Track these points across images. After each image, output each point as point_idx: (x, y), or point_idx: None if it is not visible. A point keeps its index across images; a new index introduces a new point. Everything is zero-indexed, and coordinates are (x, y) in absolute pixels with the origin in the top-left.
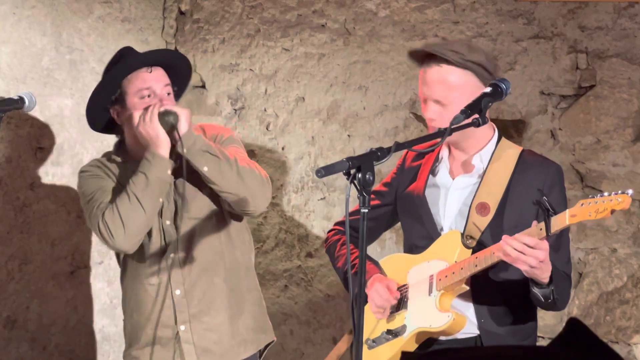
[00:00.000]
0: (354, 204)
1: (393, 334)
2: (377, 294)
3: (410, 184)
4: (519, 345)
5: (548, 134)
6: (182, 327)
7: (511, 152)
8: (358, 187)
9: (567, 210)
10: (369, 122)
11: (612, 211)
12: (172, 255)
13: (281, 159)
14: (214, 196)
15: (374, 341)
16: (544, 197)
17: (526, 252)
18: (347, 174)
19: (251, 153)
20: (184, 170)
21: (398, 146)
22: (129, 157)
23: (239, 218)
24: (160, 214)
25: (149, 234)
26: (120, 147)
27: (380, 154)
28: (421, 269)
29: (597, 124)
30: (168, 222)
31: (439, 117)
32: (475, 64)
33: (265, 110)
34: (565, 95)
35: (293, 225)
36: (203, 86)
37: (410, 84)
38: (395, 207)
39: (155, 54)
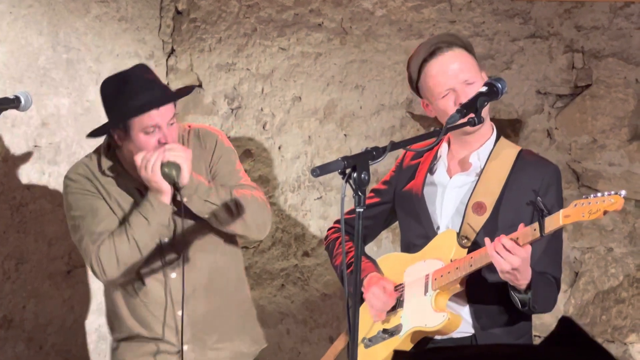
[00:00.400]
0: (349, 204)
1: (389, 333)
2: (375, 297)
3: (408, 182)
4: (512, 343)
5: (544, 134)
6: (185, 347)
7: (509, 151)
8: (353, 187)
9: (561, 210)
10: (365, 121)
11: (605, 212)
12: (173, 275)
13: (278, 159)
14: None
15: (370, 340)
16: (538, 198)
17: (502, 254)
18: (343, 173)
19: (248, 152)
20: (182, 211)
21: (393, 146)
22: (120, 169)
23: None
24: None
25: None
26: (111, 150)
27: (375, 153)
28: (417, 268)
29: (593, 124)
30: (166, 240)
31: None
32: (470, 45)
33: (262, 109)
34: (561, 94)
35: (290, 224)
36: (200, 85)
37: (407, 84)
38: (394, 206)
39: (169, 97)
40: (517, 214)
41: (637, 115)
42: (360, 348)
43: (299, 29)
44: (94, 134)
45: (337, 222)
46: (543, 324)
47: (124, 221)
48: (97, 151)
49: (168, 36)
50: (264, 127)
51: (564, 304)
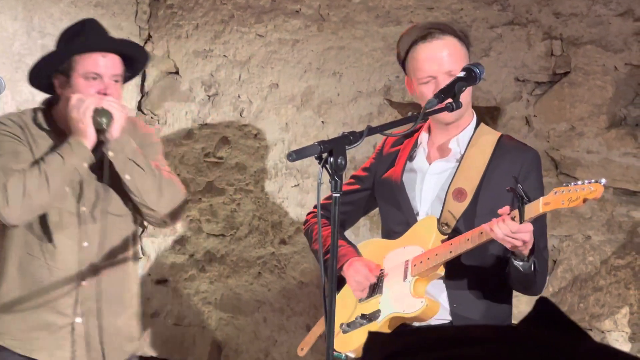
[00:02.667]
0: (327, 190)
1: (367, 318)
2: (356, 271)
3: (388, 169)
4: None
5: (523, 121)
6: (78, 320)
7: (489, 137)
8: (330, 171)
9: (541, 198)
10: (343, 108)
11: (585, 200)
12: (85, 244)
13: (255, 146)
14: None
15: (348, 325)
16: (519, 185)
17: (512, 237)
18: (319, 157)
19: (225, 140)
20: (106, 169)
21: (370, 130)
22: (55, 127)
23: (142, 221)
24: (78, 199)
25: (60, 215)
26: (49, 108)
27: (352, 138)
28: (397, 255)
29: (571, 111)
30: (84, 209)
31: None
32: (465, 36)
33: (239, 96)
34: (539, 82)
35: (267, 212)
36: (176, 72)
37: (384, 70)
38: (374, 193)
39: (117, 43)
40: (497, 200)
41: (615, 103)
42: (339, 334)
43: (276, 16)
44: (35, 74)
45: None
46: (521, 312)
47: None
48: (36, 109)
49: (145, 22)
50: (241, 114)
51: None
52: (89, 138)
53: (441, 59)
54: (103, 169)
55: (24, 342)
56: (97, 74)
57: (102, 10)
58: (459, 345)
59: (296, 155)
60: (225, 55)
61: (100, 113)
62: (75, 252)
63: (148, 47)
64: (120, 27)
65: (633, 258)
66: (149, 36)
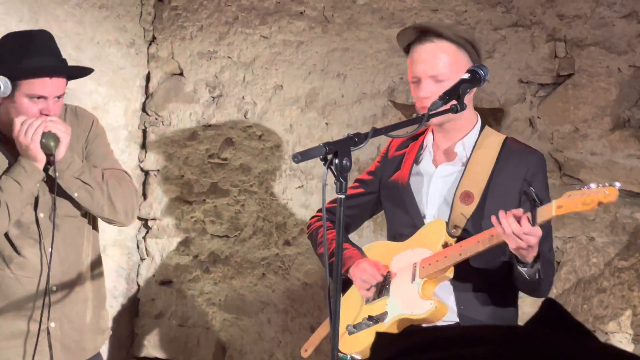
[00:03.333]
0: (332, 191)
1: (374, 320)
2: (362, 270)
3: (394, 172)
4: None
5: (526, 123)
6: (52, 325)
7: (495, 139)
8: (335, 173)
9: (554, 201)
10: (347, 110)
11: (600, 203)
12: (49, 249)
13: (259, 147)
14: None
15: (354, 327)
16: (531, 188)
17: (520, 237)
18: (324, 159)
19: (229, 141)
20: (55, 186)
21: (375, 132)
22: None
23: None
24: (35, 206)
25: (20, 226)
26: None
27: (357, 139)
28: (404, 257)
29: (575, 113)
30: (42, 215)
31: (434, 95)
32: (467, 41)
33: (243, 97)
34: (543, 83)
35: (271, 213)
36: (181, 74)
37: (388, 72)
38: (379, 196)
39: (66, 69)
40: (504, 202)
41: (619, 105)
42: (345, 334)
43: (281, 17)
44: None
45: (320, 210)
46: (525, 313)
47: None
48: None
49: (149, 24)
50: (245, 116)
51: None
52: (40, 161)
53: (428, 62)
54: (52, 180)
55: (1, 351)
56: (42, 96)
57: (106, 12)
58: (466, 345)
59: (301, 156)
60: (229, 57)
61: (47, 136)
62: (42, 259)
63: (152, 49)
64: (125, 29)
65: (637, 260)
66: (154, 37)
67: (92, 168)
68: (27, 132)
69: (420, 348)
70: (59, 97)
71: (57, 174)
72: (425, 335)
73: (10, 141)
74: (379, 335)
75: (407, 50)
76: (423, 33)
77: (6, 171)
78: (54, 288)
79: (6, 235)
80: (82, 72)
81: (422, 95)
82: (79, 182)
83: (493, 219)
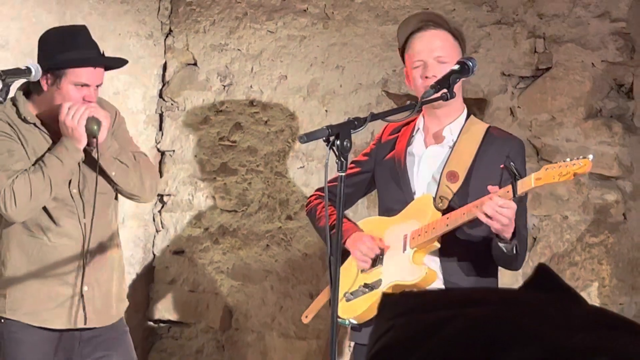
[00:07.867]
0: (332, 171)
1: (369, 287)
2: (362, 242)
3: (389, 152)
4: (496, 288)
5: (507, 112)
6: (85, 288)
7: (479, 127)
8: (336, 153)
9: (533, 174)
10: (344, 99)
11: (575, 174)
12: (84, 221)
13: (265, 131)
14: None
15: (352, 294)
16: (512, 163)
17: (500, 212)
18: (327, 140)
19: (238, 125)
20: (97, 166)
21: (373, 116)
22: (37, 119)
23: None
24: (68, 184)
25: (55, 198)
26: (28, 100)
27: (357, 123)
28: (396, 229)
29: (552, 103)
30: (75, 191)
31: (439, 75)
32: (460, 34)
33: (251, 86)
34: (524, 76)
35: (274, 190)
36: (195, 64)
37: (382, 65)
38: (373, 175)
39: (107, 60)
40: (486, 182)
41: (592, 96)
42: (343, 302)
43: (286, 14)
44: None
45: (318, 190)
46: (503, 284)
47: (37, 162)
48: (14, 102)
49: (166, 18)
50: (252, 103)
51: (523, 266)
52: (83, 143)
53: (432, 45)
54: (91, 160)
55: (37, 314)
56: (86, 83)
57: (127, 6)
58: (467, 306)
59: (307, 137)
60: (239, 49)
61: (91, 121)
62: (78, 229)
63: (169, 41)
64: (144, 22)
65: (605, 236)
66: (170, 30)
67: (124, 150)
68: (74, 116)
69: (424, 308)
70: (98, 86)
71: (99, 155)
72: (429, 296)
73: (49, 125)
74: (384, 296)
75: (405, 42)
76: (425, 22)
77: (49, 150)
78: (88, 256)
79: (44, 208)
80: (119, 62)
81: (431, 74)
82: (117, 162)
83: (478, 203)
